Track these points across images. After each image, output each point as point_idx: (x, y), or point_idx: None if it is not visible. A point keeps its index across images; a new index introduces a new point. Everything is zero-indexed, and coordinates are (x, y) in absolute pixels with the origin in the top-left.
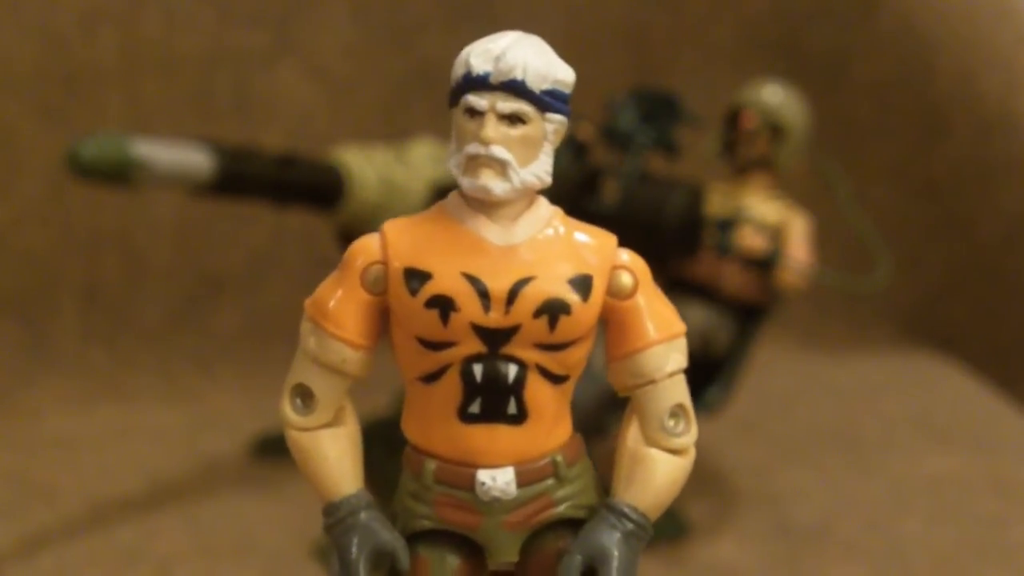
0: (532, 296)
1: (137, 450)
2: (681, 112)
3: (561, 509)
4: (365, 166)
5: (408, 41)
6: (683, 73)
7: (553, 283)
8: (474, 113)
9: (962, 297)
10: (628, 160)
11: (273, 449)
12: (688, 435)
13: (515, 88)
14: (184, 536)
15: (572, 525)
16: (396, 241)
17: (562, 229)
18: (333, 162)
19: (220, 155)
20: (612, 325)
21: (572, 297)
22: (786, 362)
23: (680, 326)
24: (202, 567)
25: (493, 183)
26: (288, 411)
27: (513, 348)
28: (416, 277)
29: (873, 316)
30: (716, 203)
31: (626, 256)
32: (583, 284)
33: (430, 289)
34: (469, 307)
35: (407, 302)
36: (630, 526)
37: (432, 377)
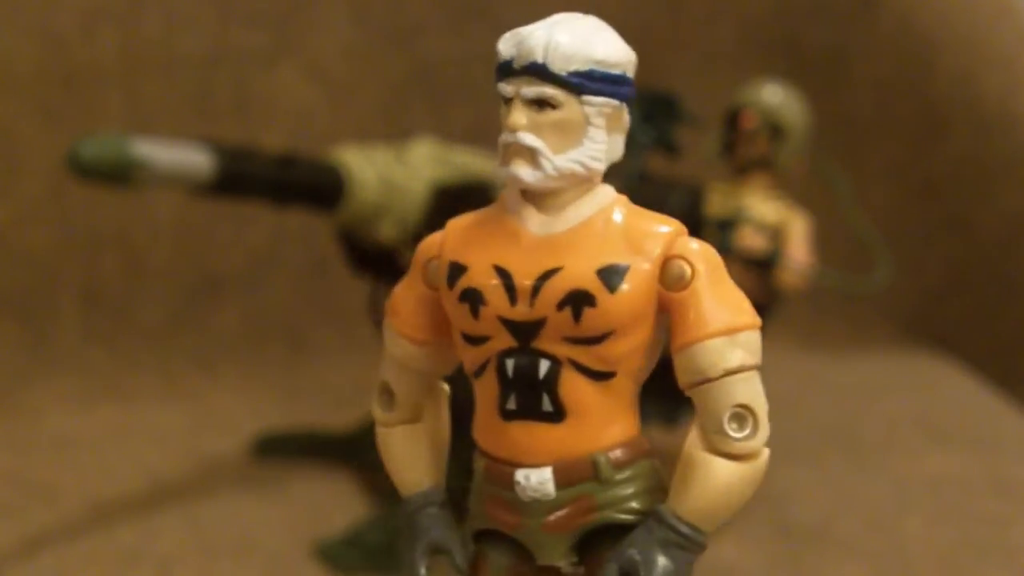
0: (556, 288)
1: (137, 450)
2: (681, 112)
3: (605, 513)
4: (365, 166)
5: (408, 41)
6: (683, 73)
7: (579, 274)
8: (507, 100)
9: (962, 297)
10: (628, 160)
11: (273, 449)
12: (754, 439)
13: (537, 71)
14: (184, 536)
15: (629, 531)
16: (452, 235)
17: (619, 218)
18: (333, 162)
19: (220, 155)
20: (671, 317)
21: (598, 288)
22: (786, 362)
23: (745, 319)
24: (202, 567)
25: (523, 171)
26: (375, 408)
27: (542, 342)
28: (456, 270)
29: (873, 316)
30: (716, 203)
31: (694, 245)
32: (615, 274)
33: (463, 282)
34: (496, 300)
35: (447, 295)
36: (673, 536)
37: (478, 372)
